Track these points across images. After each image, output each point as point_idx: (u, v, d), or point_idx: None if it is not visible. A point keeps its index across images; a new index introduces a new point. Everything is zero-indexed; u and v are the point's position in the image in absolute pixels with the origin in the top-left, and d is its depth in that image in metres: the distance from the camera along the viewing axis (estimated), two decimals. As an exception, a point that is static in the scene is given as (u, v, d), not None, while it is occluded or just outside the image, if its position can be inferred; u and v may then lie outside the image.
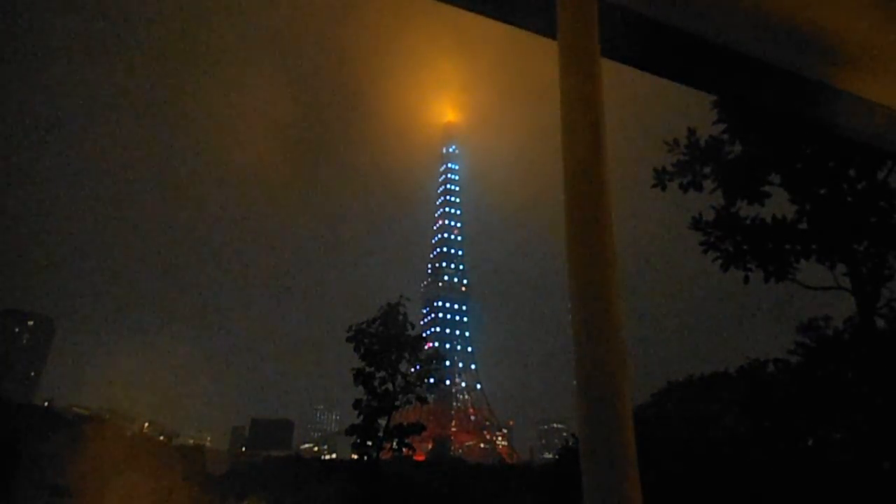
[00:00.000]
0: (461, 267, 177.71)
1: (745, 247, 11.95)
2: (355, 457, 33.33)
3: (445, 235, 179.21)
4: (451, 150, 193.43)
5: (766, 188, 12.10)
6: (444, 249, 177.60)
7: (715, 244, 12.11)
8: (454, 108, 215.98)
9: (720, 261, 12.00)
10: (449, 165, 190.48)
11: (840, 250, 11.76)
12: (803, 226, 11.95)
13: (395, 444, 32.82)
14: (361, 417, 31.73)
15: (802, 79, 1.99)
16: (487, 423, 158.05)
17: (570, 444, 31.25)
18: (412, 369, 33.82)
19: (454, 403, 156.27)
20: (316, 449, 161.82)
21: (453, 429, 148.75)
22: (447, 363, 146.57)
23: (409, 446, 33.70)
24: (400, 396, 32.80)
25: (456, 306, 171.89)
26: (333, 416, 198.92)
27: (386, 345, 32.64)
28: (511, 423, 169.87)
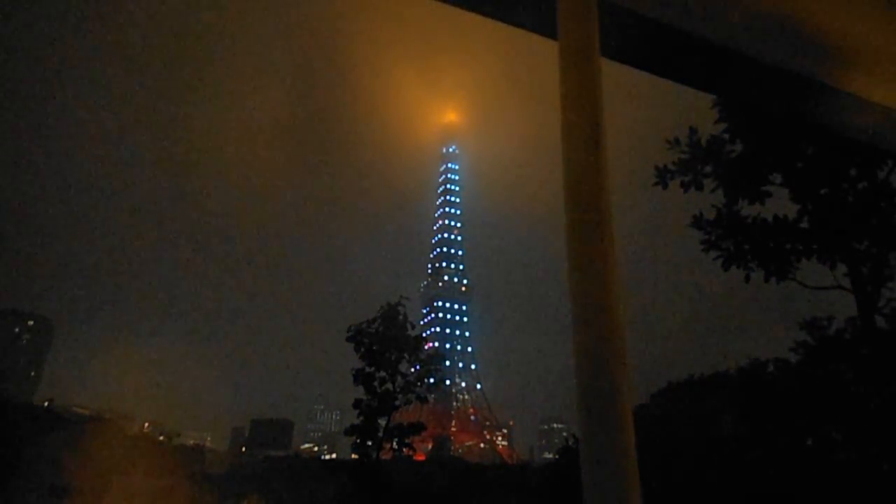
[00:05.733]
0: (461, 267, 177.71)
1: (745, 246, 11.94)
2: (355, 457, 33.32)
3: (445, 235, 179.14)
4: (451, 150, 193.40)
5: (768, 187, 12.10)
6: (444, 249, 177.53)
7: (716, 243, 12.10)
8: (454, 108, 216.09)
9: (721, 260, 12.00)
10: (449, 165, 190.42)
11: (841, 250, 11.75)
12: (804, 225, 11.95)
13: (395, 444, 32.82)
14: (361, 417, 31.74)
15: (802, 79, 1.99)
16: (487, 423, 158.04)
17: (570, 444, 31.25)
18: (412, 369, 33.82)
19: (454, 403, 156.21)
20: (316, 449, 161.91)
21: (453, 429, 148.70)
22: (447, 363, 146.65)
23: (409, 446, 33.69)
24: (400, 396, 32.79)
25: (456, 306, 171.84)
26: (333, 416, 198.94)
27: (386, 345, 32.64)
28: (511, 423, 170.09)
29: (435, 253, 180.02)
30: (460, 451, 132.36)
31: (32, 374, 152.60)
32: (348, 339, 32.57)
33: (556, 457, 36.33)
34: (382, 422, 32.20)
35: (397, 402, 32.76)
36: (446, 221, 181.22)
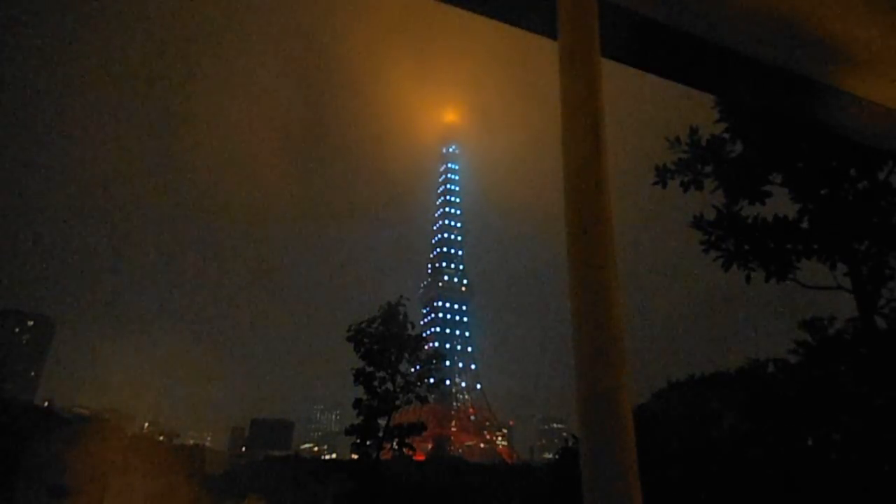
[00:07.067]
0: (461, 267, 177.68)
1: (746, 246, 11.94)
2: (355, 457, 33.32)
3: (445, 235, 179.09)
4: (451, 150, 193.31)
5: (768, 187, 12.11)
6: (444, 249, 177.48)
7: (716, 243, 12.10)
8: (454, 108, 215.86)
9: (721, 260, 12.00)
10: (449, 165, 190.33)
11: (841, 250, 11.75)
12: (804, 225, 11.95)
13: (395, 444, 32.81)
14: (361, 417, 31.74)
15: (802, 79, 1.99)
16: (487, 423, 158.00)
17: (570, 444, 31.20)
18: (412, 369, 33.82)
19: (454, 403, 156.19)
20: (316, 449, 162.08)
21: (453, 429, 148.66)
22: (447, 363, 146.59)
23: (410, 446, 33.68)
24: (400, 396, 32.79)
25: (456, 306, 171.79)
26: (333, 416, 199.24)
27: (386, 345, 32.62)
28: (511, 423, 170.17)
29: (435, 253, 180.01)
30: (460, 451, 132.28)
31: (32, 374, 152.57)
32: (348, 339, 32.57)
33: (556, 457, 36.28)
34: (382, 422, 32.20)
35: (397, 402, 32.75)
36: (446, 221, 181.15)
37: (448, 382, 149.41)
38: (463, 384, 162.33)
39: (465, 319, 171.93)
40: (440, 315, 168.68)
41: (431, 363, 34.82)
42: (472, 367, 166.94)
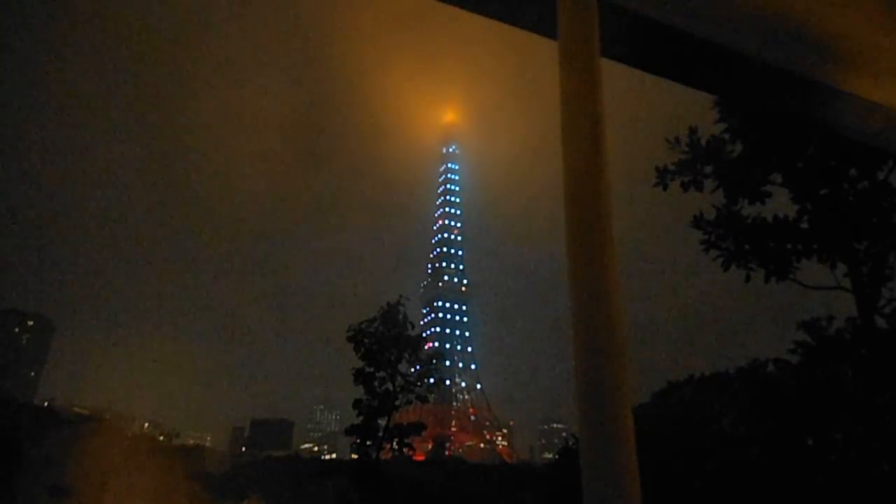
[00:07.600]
0: (461, 267, 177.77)
1: (746, 246, 11.94)
2: (355, 457, 33.33)
3: (445, 235, 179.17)
4: (451, 150, 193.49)
5: (768, 187, 12.11)
6: (444, 249, 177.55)
7: (716, 243, 12.10)
8: (454, 108, 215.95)
9: (721, 260, 12.00)
10: (449, 165, 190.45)
11: (841, 250, 11.75)
12: (804, 225, 11.95)
13: (395, 444, 32.81)
14: (361, 417, 31.75)
15: (802, 79, 1.99)
16: (487, 423, 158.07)
17: (570, 444, 31.21)
18: (412, 369, 33.82)
19: (454, 403, 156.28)
20: (316, 449, 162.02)
21: (453, 429, 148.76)
22: (447, 363, 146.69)
23: (410, 446, 33.68)
24: (400, 396, 32.78)
25: (456, 306, 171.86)
26: (333, 416, 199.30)
27: (386, 345, 32.63)
28: (511, 423, 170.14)
29: (435, 253, 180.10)
30: (460, 451, 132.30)
31: (32, 374, 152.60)
32: (348, 339, 32.55)
33: (556, 457, 36.30)
34: (382, 422, 32.20)
35: (397, 402, 32.74)
36: (446, 221, 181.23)
37: (448, 382, 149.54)
38: (463, 384, 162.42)
39: (465, 319, 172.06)
40: (440, 315, 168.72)
41: (431, 363, 34.80)
42: (472, 367, 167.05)
